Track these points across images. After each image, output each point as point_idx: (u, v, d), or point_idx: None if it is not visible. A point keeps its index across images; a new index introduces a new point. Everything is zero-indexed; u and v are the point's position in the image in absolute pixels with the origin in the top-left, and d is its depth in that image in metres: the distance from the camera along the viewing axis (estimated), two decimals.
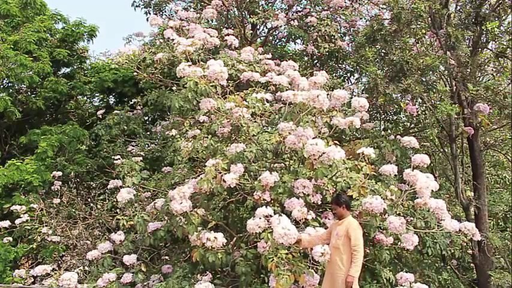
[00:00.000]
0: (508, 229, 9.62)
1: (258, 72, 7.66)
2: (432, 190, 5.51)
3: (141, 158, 7.76)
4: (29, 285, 8.07)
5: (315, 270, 5.19)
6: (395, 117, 9.18)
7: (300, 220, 5.33)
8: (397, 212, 5.66)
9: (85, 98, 13.42)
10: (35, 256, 9.57)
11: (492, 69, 8.71)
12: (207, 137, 6.68)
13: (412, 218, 6.06)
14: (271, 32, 11.42)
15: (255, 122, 6.57)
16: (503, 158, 10.16)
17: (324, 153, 5.45)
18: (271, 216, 5.19)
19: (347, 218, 5.18)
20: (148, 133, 11.00)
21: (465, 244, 7.70)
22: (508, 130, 9.23)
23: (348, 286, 4.93)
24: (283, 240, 4.83)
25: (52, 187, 9.80)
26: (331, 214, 5.91)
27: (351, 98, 7.64)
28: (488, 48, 8.44)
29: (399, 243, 5.74)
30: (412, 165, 5.80)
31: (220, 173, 5.74)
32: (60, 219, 9.05)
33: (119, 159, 8.50)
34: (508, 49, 7.90)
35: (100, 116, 10.96)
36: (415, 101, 8.53)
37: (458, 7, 8.56)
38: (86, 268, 8.09)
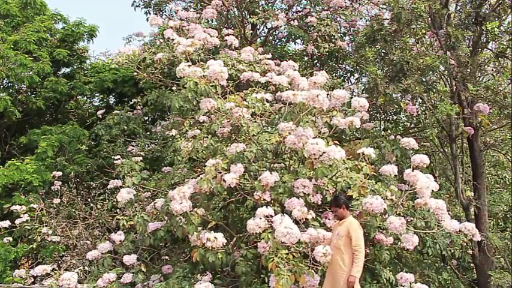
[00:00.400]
0: (508, 229, 9.61)
1: (258, 72, 7.66)
2: (432, 190, 5.52)
3: (141, 158, 7.75)
4: (29, 285, 8.07)
5: (315, 270, 5.18)
6: (395, 117, 9.18)
7: (300, 220, 5.33)
8: (397, 212, 5.66)
9: (85, 98, 13.41)
10: (35, 256, 9.57)
11: (492, 69, 8.70)
12: (207, 137, 6.67)
13: (412, 218, 6.07)
14: (271, 32, 11.41)
15: (255, 122, 6.57)
16: (503, 158, 10.15)
17: (324, 152, 5.46)
18: (271, 216, 5.20)
19: (348, 218, 5.20)
20: (148, 133, 11.00)
21: (465, 244, 7.69)
22: (508, 130, 9.22)
23: (349, 286, 4.94)
24: (285, 239, 4.83)
25: (52, 187, 9.79)
26: (331, 214, 5.91)
27: (351, 98, 7.64)
28: (488, 48, 8.43)
29: (399, 243, 5.74)
30: (412, 165, 5.80)
31: (220, 173, 5.74)
32: (60, 219, 9.05)
33: (119, 159, 8.49)
34: (508, 49, 7.89)
35: (100, 116, 10.95)
36: (415, 101, 8.53)
37: (458, 7, 8.56)
38: (86, 268, 8.09)
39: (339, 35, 10.41)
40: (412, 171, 5.56)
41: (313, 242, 5.24)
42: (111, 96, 12.91)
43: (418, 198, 5.61)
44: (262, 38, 11.62)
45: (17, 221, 8.71)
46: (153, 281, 6.54)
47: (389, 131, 8.68)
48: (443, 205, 5.54)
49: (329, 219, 5.85)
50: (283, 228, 4.86)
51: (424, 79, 8.13)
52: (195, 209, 5.91)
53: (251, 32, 11.28)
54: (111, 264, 6.81)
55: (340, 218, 5.24)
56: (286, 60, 7.83)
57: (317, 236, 5.18)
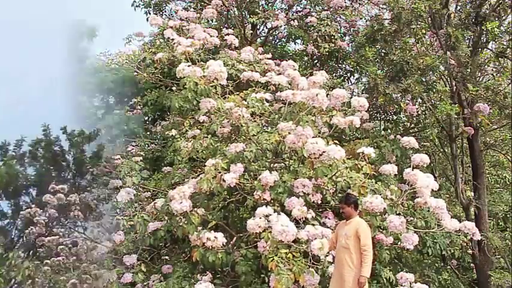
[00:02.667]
0: (508, 229, 9.62)
1: (258, 72, 7.65)
2: (432, 189, 5.52)
3: (141, 158, 7.76)
4: None
5: (315, 270, 5.18)
6: (395, 117, 9.17)
7: (300, 219, 5.32)
8: (397, 212, 5.66)
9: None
10: None
11: (492, 69, 8.71)
12: (207, 137, 6.67)
13: (412, 218, 6.06)
14: (271, 32, 11.41)
15: (255, 121, 6.57)
16: (503, 158, 10.15)
17: (324, 152, 5.45)
18: (271, 215, 5.19)
19: (355, 218, 5.16)
20: (148, 133, 10.99)
21: (465, 244, 7.69)
22: (508, 130, 9.21)
23: (360, 286, 4.93)
24: (282, 237, 4.83)
25: None
26: (331, 213, 5.91)
27: (351, 97, 7.64)
28: (488, 48, 8.43)
29: (399, 243, 5.73)
30: (412, 164, 5.80)
31: (220, 172, 5.74)
32: None
33: (119, 159, 8.49)
34: (508, 49, 7.89)
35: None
36: (415, 101, 8.52)
37: (458, 7, 8.57)
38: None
39: (339, 35, 10.39)
40: (412, 170, 5.56)
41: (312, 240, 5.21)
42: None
43: (418, 197, 5.61)
44: (262, 38, 11.61)
45: None
46: (153, 281, 6.54)
47: (389, 131, 8.67)
48: (443, 204, 5.54)
49: (329, 218, 5.85)
50: (279, 227, 4.87)
51: (424, 79, 8.13)
52: (195, 209, 5.90)
53: (251, 32, 11.27)
54: (111, 264, 6.81)
55: (348, 217, 5.20)
56: (286, 60, 7.82)
57: (315, 233, 5.14)
